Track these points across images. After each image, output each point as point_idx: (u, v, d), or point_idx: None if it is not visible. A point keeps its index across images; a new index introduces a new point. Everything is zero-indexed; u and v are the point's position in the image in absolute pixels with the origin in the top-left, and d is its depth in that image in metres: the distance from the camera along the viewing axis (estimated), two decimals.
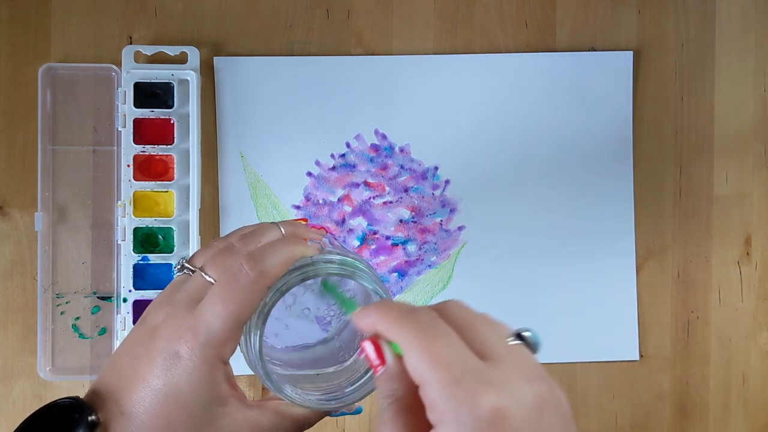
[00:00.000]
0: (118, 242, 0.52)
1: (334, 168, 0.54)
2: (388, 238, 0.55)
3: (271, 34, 0.54)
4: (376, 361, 0.27)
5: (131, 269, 0.51)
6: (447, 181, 0.55)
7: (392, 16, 0.55)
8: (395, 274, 0.55)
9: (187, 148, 0.52)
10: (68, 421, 0.29)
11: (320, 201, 0.54)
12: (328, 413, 0.34)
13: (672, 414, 0.56)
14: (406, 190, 0.55)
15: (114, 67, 0.53)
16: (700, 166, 0.56)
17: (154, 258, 0.52)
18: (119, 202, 0.52)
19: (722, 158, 0.56)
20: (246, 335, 0.32)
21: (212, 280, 0.32)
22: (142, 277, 0.52)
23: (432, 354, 0.25)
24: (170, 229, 0.52)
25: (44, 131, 0.52)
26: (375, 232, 0.55)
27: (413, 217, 0.55)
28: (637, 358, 0.56)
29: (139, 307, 0.52)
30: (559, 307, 0.55)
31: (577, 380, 0.56)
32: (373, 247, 0.54)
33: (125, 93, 0.51)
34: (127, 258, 0.52)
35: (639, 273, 0.56)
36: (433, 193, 0.55)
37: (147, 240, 0.52)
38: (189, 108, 0.52)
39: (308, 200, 0.54)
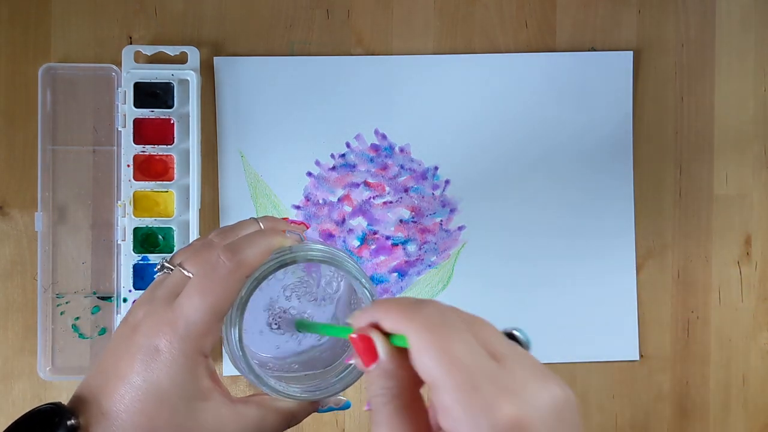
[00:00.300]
0: (118, 242, 0.52)
1: (334, 168, 0.54)
2: (388, 238, 0.55)
3: (271, 34, 0.54)
4: (366, 357, 0.26)
5: (131, 269, 0.52)
6: (447, 181, 0.55)
7: (392, 16, 0.55)
8: (395, 274, 0.55)
9: (187, 148, 0.52)
10: (48, 426, 0.28)
11: (320, 201, 0.54)
12: (315, 409, 0.34)
13: (672, 414, 0.56)
14: (406, 190, 0.55)
15: (114, 67, 0.53)
16: (700, 166, 0.56)
17: (154, 258, 0.52)
18: (119, 202, 0.52)
19: (722, 158, 0.56)
20: (226, 328, 0.32)
21: (190, 275, 0.31)
22: (142, 277, 0.52)
23: (448, 354, 0.23)
24: (170, 229, 0.52)
25: (44, 131, 0.52)
26: (375, 232, 0.55)
27: (413, 217, 0.55)
28: (637, 358, 0.56)
29: None
30: (559, 307, 0.55)
31: (577, 380, 0.56)
32: (373, 247, 0.54)
33: (125, 93, 0.51)
34: (127, 258, 0.52)
35: (639, 273, 0.56)
36: (433, 193, 0.55)
37: (147, 240, 0.52)
38: (189, 108, 0.52)
39: (308, 200, 0.54)
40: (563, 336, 0.55)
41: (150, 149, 0.52)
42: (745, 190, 0.57)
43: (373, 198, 0.55)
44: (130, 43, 0.53)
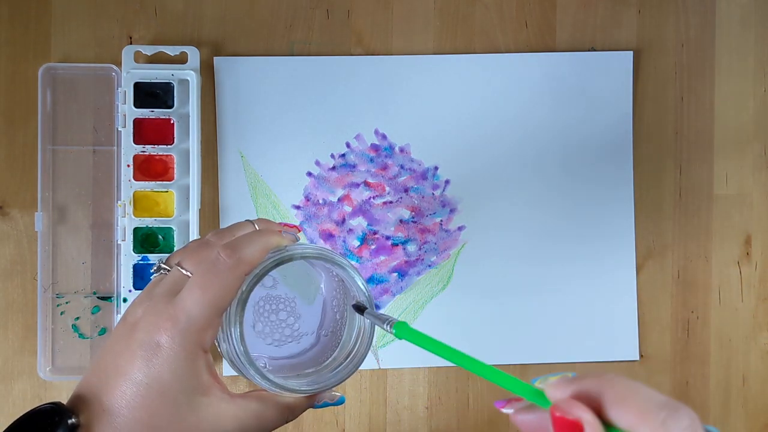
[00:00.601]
0: (118, 242, 0.52)
1: (334, 168, 0.54)
2: (388, 238, 0.55)
3: (271, 34, 0.54)
4: None
5: (131, 269, 0.52)
6: (447, 181, 0.55)
7: (392, 16, 0.55)
8: (395, 274, 0.55)
9: (187, 148, 0.52)
10: (49, 425, 0.28)
11: (320, 201, 0.54)
12: (312, 404, 0.35)
13: None
14: (406, 190, 0.55)
15: (114, 67, 0.53)
16: (700, 166, 0.56)
17: (154, 258, 0.52)
18: (119, 202, 0.52)
19: (722, 158, 0.56)
20: (226, 325, 0.32)
21: (189, 273, 0.32)
22: (142, 277, 0.52)
23: None
24: (170, 229, 0.52)
25: (44, 131, 0.52)
26: (375, 232, 0.55)
27: (413, 217, 0.55)
28: (637, 358, 0.56)
29: None
30: (559, 307, 0.55)
31: None
32: (373, 247, 0.54)
33: (125, 93, 0.51)
34: (127, 258, 0.52)
35: (639, 273, 0.56)
36: (433, 193, 0.55)
37: (147, 240, 0.52)
38: (189, 108, 0.52)
39: (308, 200, 0.54)
40: (563, 336, 0.55)
41: (150, 149, 0.52)
42: (745, 190, 0.57)
43: (373, 198, 0.55)
44: (130, 43, 0.53)
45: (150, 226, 0.52)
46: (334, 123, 0.54)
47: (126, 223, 0.51)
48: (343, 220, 0.54)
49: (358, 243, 0.54)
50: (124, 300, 0.52)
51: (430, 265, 0.55)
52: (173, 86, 0.52)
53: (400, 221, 0.55)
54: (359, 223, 0.54)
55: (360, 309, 0.34)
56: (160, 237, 0.52)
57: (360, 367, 0.35)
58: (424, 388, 0.55)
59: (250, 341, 0.33)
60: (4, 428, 0.29)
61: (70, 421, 0.29)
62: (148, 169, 0.52)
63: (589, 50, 0.56)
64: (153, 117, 0.52)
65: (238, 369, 0.33)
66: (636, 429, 0.22)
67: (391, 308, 0.54)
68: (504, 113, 0.55)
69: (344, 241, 0.54)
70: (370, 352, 0.54)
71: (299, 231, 0.37)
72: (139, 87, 0.52)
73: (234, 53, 0.54)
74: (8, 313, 0.53)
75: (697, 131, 0.56)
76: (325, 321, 0.38)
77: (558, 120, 0.55)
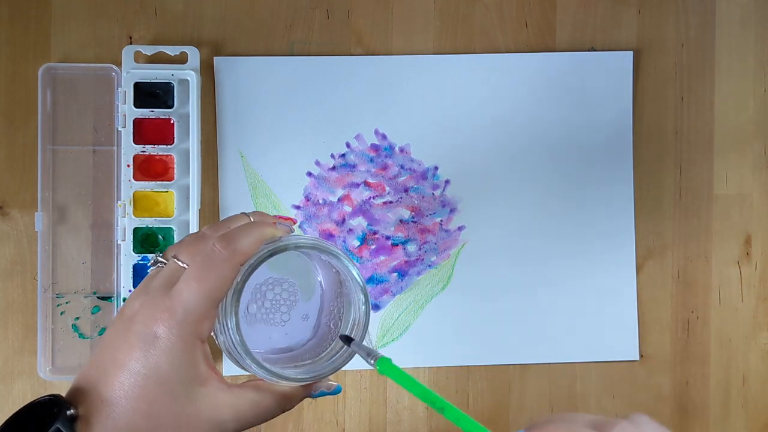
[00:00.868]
0: (118, 242, 0.52)
1: (334, 168, 0.54)
2: (388, 238, 0.55)
3: (271, 34, 0.54)
4: None
5: (131, 269, 0.52)
6: (447, 181, 0.55)
7: (392, 16, 0.55)
8: (395, 274, 0.55)
9: (187, 148, 0.52)
10: (48, 416, 0.29)
11: (320, 201, 0.54)
12: (309, 393, 0.35)
13: (672, 414, 0.56)
14: (406, 190, 0.55)
15: (114, 67, 0.53)
16: (700, 166, 0.56)
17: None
18: (119, 202, 0.52)
19: (722, 158, 0.56)
20: (222, 316, 0.32)
21: (185, 265, 0.32)
22: (142, 277, 0.52)
23: None
24: (170, 229, 0.52)
25: (44, 131, 0.52)
26: (375, 232, 0.55)
27: (413, 217, 0.55)
28: (637, 358, 0.56)
29: None
30: (559, 307, 0.55)
31: (577, 380, 0.56)
32: (373, 247, 0.54)
33: (125, 93, 0.51)
34: (127, 258, 0.52)
35: (639, 273, 0.56)
36: (433, 193, 0.55)
37: (147, 240, 0.52)
38: (189, 108, 0.52)
39: (308, 200, 0.54)
40: (563, 336, 0.55)
41: (150, 149, 0.52)
42: (745, 190, 0.57)
43: (373, 198, 0.55)
44: (130, 43, 0.53)
45: (150, 226, 0.52)
46: (334, 123, 0.54)
47: (126, 223, 0.51)
48: (343, 220, 0.54)
49: (358, 243, 0.54)
50: (124, 300, 0.52)
51: (430, 265, 0.55)
52: (173, 86, 0.52)
53: (400, 221, 0.55)
54: (359, 223, 0.54)
55: (347, 340, 0.35)
56: (160, 237, 0.52)
57: (354, 357, 0.36)
58: None
59: (248, 335, 0.34)
60: (4, 421, 0.29)
61: (68, 413, 0.29)
62: (148, 169, 0.52)
63: (589, 50, 0.56)
64: (153, 117, 0.52)
65: (235, 359, 0.33)
66: None
67: (391, 308, 0.55)
68: (504, 113, 0.55)
69: (344, 241, 0.54)
70: None
71: (294, 223, 0.38)
72: (139, 87, 0.52)
73: (234, 53, 0.54)
74: (8, 313, 0.53)
75: (697, 131, 0.56)
76: (323, 314, 0.38)
77: (558, 120, 0.55)
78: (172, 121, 0.52)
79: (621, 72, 0.55)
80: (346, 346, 0.35)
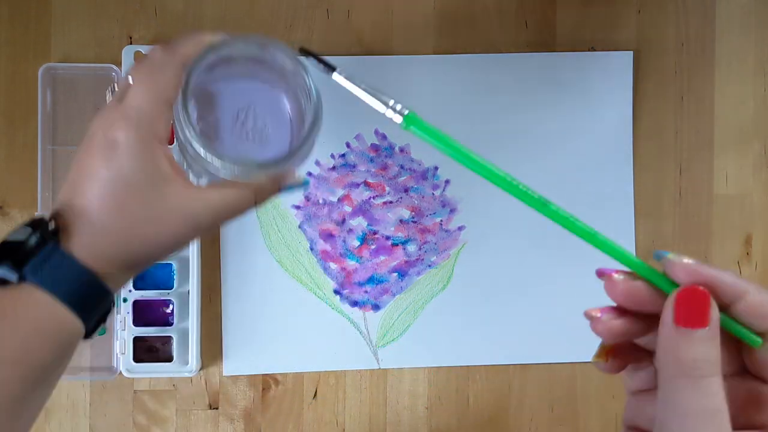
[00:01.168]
0: None
1: (334, 168, 0.54)
2: (388, 238, 0.55)
3: (271, 34, 0.54)
4: (693, 318, 0.23)
5: None
6: (447, 181, 0.55)
7: (392, 16, 0.55)
8: (395, 274, 0.55)
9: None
10: (30, 235, 0.30)
11: (320, 201, 0.54)
12: (278, 188, 0.35)
13: None
14: (406, 190, 0.55)
15: (114, 67, 0.53)
16: (700, 166, 0.56)
17: None
18: None
19: (722, 158, 0.56)
20: (177, 119, 0.34)
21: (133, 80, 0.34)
22: (142, 277, 0.52)
23: None
24: None
25: (44, 131, 0.52)
26: (375, 232, 0.55)
27: (413, 217, 0.55)
28: None
29: (139, 307, 0.52)
30: (559, 307, 0.55)
31: (577, 380, 0.56)
32: (373, 247, 0.54)
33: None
34: None
35: None
36: (433, 193, 0.55)
37: None
38: None
39: (308, 200, 0.54)
40: (563, 336, 0.55)
41: None
42: (745, 190, 0.57)
43: (373, 198, 0.55)
44: (130, 43, 0.53)
45: None
46: (334, 123, 0.54)
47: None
48: (343, 220, 0.54)
49: (358, 243, 0.54)
50: (124, 300, 0.52)
51: (430, 265, 0.55)
52: None
53: (400, 221, 0.55)
54: (359, 223, 0.54)
55: (305, 53, 0.35)
56: None
57: (316, 136, 0.36)
58: (424, 388, 0.55)
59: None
60: None
61: (50, 228, 0.31)
62: None
63: (589, 50, 0.56)
64: None
65: (193, 159, 0.34)
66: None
67: (391, 308, 0.54)
68: (504, 113, 0.55)
69: (344, 241, 0.54)
70: (370, 351, 0.54)
71: None
72: None
73: None
74: None
75: (697, 131, 0.56)
76: (293, 124, 0.38)
77: (558, 120, 0.55)
78: (171, 121, 0.52)
79: (621, 72, 0.55)
80: (311, 125, 0.36)
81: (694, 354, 0.23)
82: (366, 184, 0.55)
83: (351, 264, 0.54)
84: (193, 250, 0.52)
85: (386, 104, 0.33)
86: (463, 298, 0.55)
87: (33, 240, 0.30)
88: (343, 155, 0.55)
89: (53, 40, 0.53)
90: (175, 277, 0.52)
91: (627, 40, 0.56)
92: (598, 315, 0.28)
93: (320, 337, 0.54)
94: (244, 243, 0.54)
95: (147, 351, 0.52)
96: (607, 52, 0.56)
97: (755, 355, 0.24)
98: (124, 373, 0.51)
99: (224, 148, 0.37)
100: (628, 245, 0.55)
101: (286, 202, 0.54)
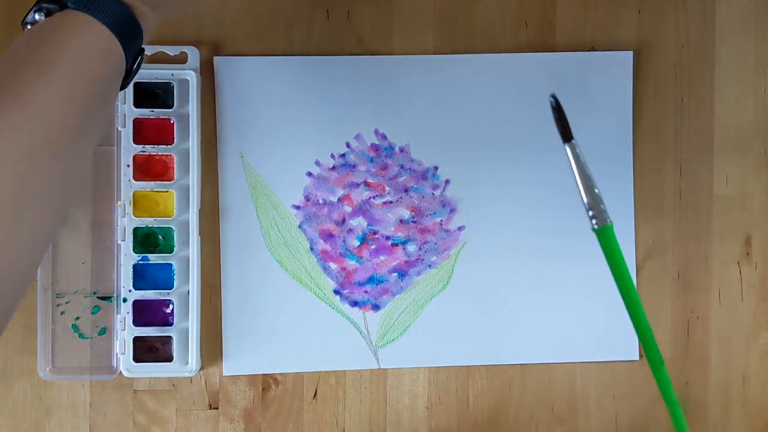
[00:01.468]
0: (118, 242, 0.52)
1: (334, 168, 0.54)
2: (388, 238, 0.55)
3: (271, 34, 0.54)
4: None
5: (131, 269, 0.52)
6: (447, 181, 0.55)
7: (392, 16, 0.55)
8: (395, 274, 0.55)
9: (187, 148, 0.52)
10: None
11: (320, 201, 0.54)
12: None
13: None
14: (406, 190, 0.55)
15: None
16: (700, 166, 0.56)
17: (154, 258, 0.52)
18: (119, 202, 0.52)
19: (722, 158, 0.56)
20: None
21: None
22: (142, 277, 0.52)
23: None
24: (170, 229, 0.52)
25: None
26: (375, 232, 0.55)
27: (413, 217, 0.55)
28: (637, 358, 0.56)
29: (139, 307, 0.52)
30: (559, 307, 0.55)
31: (577, 380, 0.56)
32: (373, 247, 0.54)
33: (125, 93, 0.51)
34: (127, 258, 0.52)
35: (639, 273, 0.56)
36: (433, 193, 0.55)
37: (147, 240, 0.52)
38: (189, 108, 0.52)
39: (308, 200, 0.54)
40: (563, 336, 0.55)
41: (150, 149, 0.52)
42: (745, 190, 0.57)
43: (373, 198, 0.55)
44: None
45: (150, 226, 0.52)
46: (334, 123, 0.54)
47: (126, 223, 0.51)
48: (343, 220, 0.54)
49: (358, 243, 0.54)
50: (124, 300, 0.52)
51: (430, 265, 0.55)
52: (173, 86, 0.52)
53: (400, 221, 0.55)
54: (359, 223, 0.54)
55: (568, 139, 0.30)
56: (160, 237, 0.52)
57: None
58: (424, 388, 0.55)
59: None
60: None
61: None
62: (148, 169, 0.52)
63: (589, 50, 0.56)
64: (153, 117, 0.52)
65: None
66: None
67: (391, 308, 0.54)
68: (504, 113, 0.55)
69: (344, 241, 0.54)
70: (370, 351, 0.54)
71: None
72: (138, 87, 0.52)
73: (234, 53, 0.54)
74: None
75: (697, 131, 0.56)
76: None
77: None
78: (171, 121, 0.52)
79: (621, 72, 0.55)
80: None
81: None
82: (366, 184, 0.55)
83: (351, 264, 0.54)
84: (193, 250, 0.52)
85: (592, 204, 0.30)
86: (463, 298, 0.55)
87: None
88: (343, 155, 0.55)
89: None
90: (175, 277, 0.52)
91: (627, 40, 0.56)
92: None
93: (320, 337, 0.54)
94: (244, 243, 0.54)
95: (147, 351, 0.52)
96: (607, 52, 0.56)
97: None
98: (124, 373, 0.51)
99: None
100: (628, 245, 0.55)
101: (286, 202, 0.54)
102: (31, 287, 0.53)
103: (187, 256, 0.52)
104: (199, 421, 0.54)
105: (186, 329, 0.52)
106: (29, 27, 0.36)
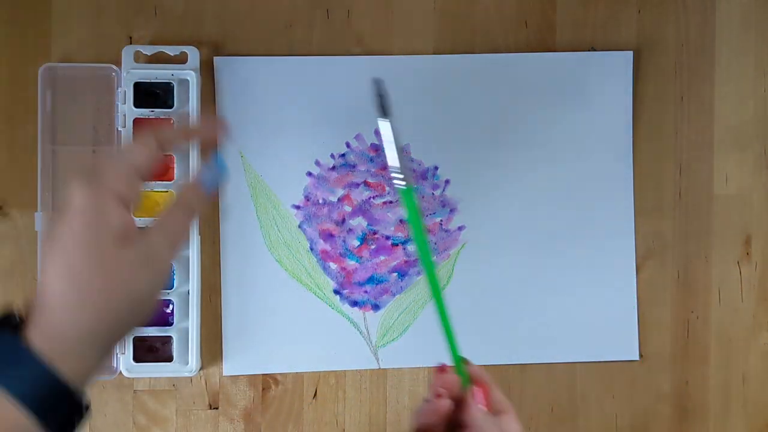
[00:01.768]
0: None
1: (334, 168, 0.54)
2: (388, 238, 0.55)
3: (271, 34, 0.54)
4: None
5: None
6: (447, 181, 0.55)
7: (392, 16, 0.55)
8: (395, 274, 0.55)
9: (187, 148, 0.52)
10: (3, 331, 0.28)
11: (320, 201, 0.54)
12: (201, 190, 0.34)
13: (672, 414, 0.56)
14: None
15: (114, 67, 0.53)
16: (700, 166, 0.56)
17: None
18: None
19: (722, 158, 0.56)
20: None
21: None
22: None
23: None
24: None
25: (44, 131, 0.52)
26: (375, 232, 0.55)
27: None
28: (637, 358, 0.56)
29: None
30: (559, 307, 0.55)
31: (577, 380, 0.56)
32: (373, 247, 0.54)
33: (125, 93, 0.51)
34: None
35: (639, 273, 0.56)
36: (433, 193, 0.55)
37: None
38: (189, 108, 0.52)
39: (308, 200, 0.54)
40: (563, 336, 0.55)
41: None
42: (745, 190, 0.57)
43: (373, 198, 0.55)
44: (130, 43, 0.53)
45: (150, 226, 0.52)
46: (334, 123, 0.54)
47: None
48: (343, 220, 0.54)
49: (358, 243, 0.54)
50: None
51: None
52: (173, 86, 0.52)
53: (400, 221, 0.55)
54: (359, 222, 0.54)
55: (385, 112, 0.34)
56: None
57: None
58: (424, 388, 0.55)
59: None
60: None
61: (14, 321, 0.29)
62: None
63: (589, 50, 0.56)
64: (153, 117, 0.52)
65: None
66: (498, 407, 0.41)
67: (391, 308, 0.54)
68: (504, 113, 0.55)
69: (344, 241, 0.54)
70: (370, 351, 0.54)
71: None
72: (139, 87, 0.52)
73: (234, 53, 0.54)
74: None
75: (697, 131, 0.56)
76: None
77: (558, 120, 0.55)
78: (172, 121, 0.52)
79: (621, 72, 0.55)
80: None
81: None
82: (366, 184, 0.55)
83: (351, 264, 0.54)
84: (193, 250, 0.52)
85: (399, 168, 0.35)
86: (463, 298, 0.55)
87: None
88: (343, 155, 0.55)
89: (53, 40, 0.53)
90: (175, 277, 0.52)
91: (627, 40, 0.56)
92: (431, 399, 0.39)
93: (320, 337, 0.54)
94: (244, 243, 0.54)
95: (147, 351, 0.52)
96: (607, 52, 0.56)
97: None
98: (124, 373, 0.51)
99: None
100: (628, 245, 0.55)
101: (286, 202, 0.54)
102: (31, 287, 0.53)
103: (187, 256, 0.52)
104: (199, 421, 0.54)
105: (186, 329, 0.52)
106: None
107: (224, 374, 0.54)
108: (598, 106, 0.55)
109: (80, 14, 0.53)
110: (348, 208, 0.54)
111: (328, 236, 0.54)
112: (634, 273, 0.56)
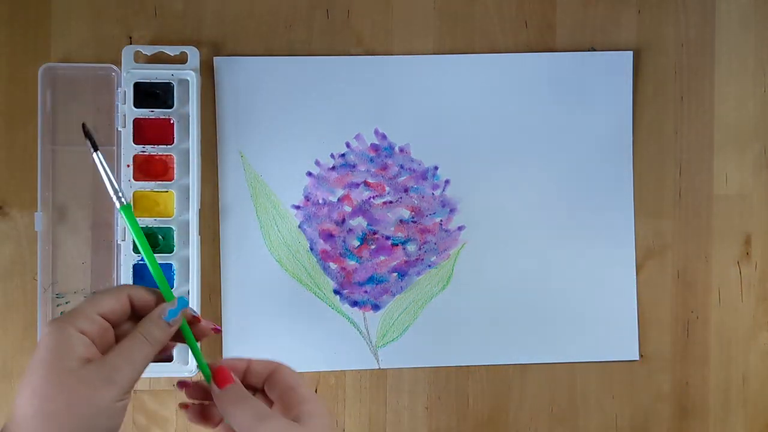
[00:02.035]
0: (118, 242, 0.52)
1: (334, 168, 0.54)
2: (388, 238, 0.55)
3: (271, 34, 0.54)
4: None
5: (131, 269, 0.51)
6: (447, 181, 0.55)
7: (392, 16, 0.55)
8: (395, 274, 0.55)
9: (186, 148, 0.52)
10: None
11: (320, 201, 0.54)
12: (170, 327, 0.37)
13: (672, 414, 0.56)
14: (406, 190, 0.55)
15: (114, 67, 0.53)
16: (700, 166, 0.56)
17: None
18: None
19: (722, 158, 0.56)
20: None
21: None
22: (142, 277, 0.52)
23: None
24: (170, 229, 0.52)
25: (44, 131, 0.52)
26: (375, 232, 0.55)
27: (413, 217, 0.55)
28: (637, 358, 0.56)
29: None
30: (559, 306, 0.55)
31: (577, 380, 0.56)
32: (373, 247, 0.54)
33: (125, 93, 0.51)
34: (127, 258, 0.51)
35: (639, 273, 0.56)
36: (433, 193, 0.55)
37: (147, 240, 0.52)
38: (189, 108, 0.52)
39: (308, 200, 0.54)
40: (563, 336, 0.55)
41: (150, 149, 0.52)
42: (745, 190, 0.57)
43: (373, 198, 0.55)
44: (130, 43, 0.53)
45: (150, 226, 0.52)
46: (334, 123, 0.54)
47: (126, 223, 0.51)
48: (343, 220, 0.54)
49: (358, 243, 0.54)
50: None
51: (430, 265, 0.55)
52: (173, 86, 0.52)
53: (400, 221, 0.55)
54: (359, 223, 0.54)
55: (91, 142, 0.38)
56: (160, 237, 0.52)
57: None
58: (424, 388, 0.55)
59: None
60: None
61: None
62: (148, 169, 0.52)
63: (588, 50, 0.56)
64: (153, 117, 0.52)
65: None
66: None
67: (391, 308, 0.54)
68: (504, 113, 0.55)
69: (344, 241, 0.54)
70: (370, 352, 0.54)
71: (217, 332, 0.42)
72: (139, 87, 0.52)
73: (234, 53, 0.54)
74: (8, 312, 0.53)
75: (697, 131, 0.56)
76: None
77: (558, 120, 0.55)
78: (171, 121, 0.52)
79: (621, 72, 0.56)
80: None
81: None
82: (366, 184, 0.55)
83: (351, 264, 0.54)
84: (193, 250, 0.52)
85: (115, 190, 0.39)
86: (463, 298, 0.55)
87: None
88: (343, 155, 0.55)
89: (53, 40, 0.53)
90: (175, 277, 0.52)
91: (627, 40, 0.56)
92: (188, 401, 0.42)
93: (320, 337, 0.54)
94: (244, 243, 0.54)
95: None
96: (607, 52, 0.56)
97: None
98: None
99: None
100: (628, 245, 0.55)
101: (286, 202, 0.54)
102: (31, 287, 0.53)
103: (187, 256, 0.52)
104: None
105: None
106: None
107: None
108: (598, 106, 0.55)
109: (80, 14, 0.53)
110: (348, 208, 0.54)
111: (328, 236, 0.54)
112: (634, 273, 0.56)
